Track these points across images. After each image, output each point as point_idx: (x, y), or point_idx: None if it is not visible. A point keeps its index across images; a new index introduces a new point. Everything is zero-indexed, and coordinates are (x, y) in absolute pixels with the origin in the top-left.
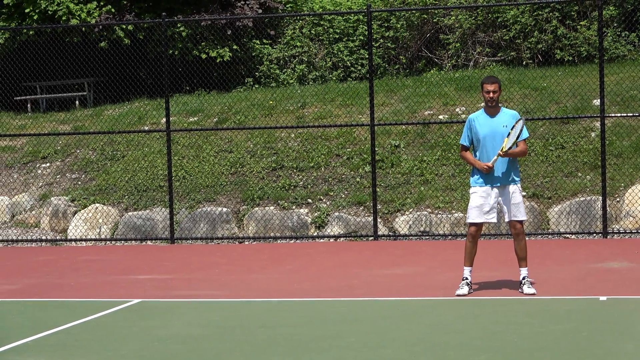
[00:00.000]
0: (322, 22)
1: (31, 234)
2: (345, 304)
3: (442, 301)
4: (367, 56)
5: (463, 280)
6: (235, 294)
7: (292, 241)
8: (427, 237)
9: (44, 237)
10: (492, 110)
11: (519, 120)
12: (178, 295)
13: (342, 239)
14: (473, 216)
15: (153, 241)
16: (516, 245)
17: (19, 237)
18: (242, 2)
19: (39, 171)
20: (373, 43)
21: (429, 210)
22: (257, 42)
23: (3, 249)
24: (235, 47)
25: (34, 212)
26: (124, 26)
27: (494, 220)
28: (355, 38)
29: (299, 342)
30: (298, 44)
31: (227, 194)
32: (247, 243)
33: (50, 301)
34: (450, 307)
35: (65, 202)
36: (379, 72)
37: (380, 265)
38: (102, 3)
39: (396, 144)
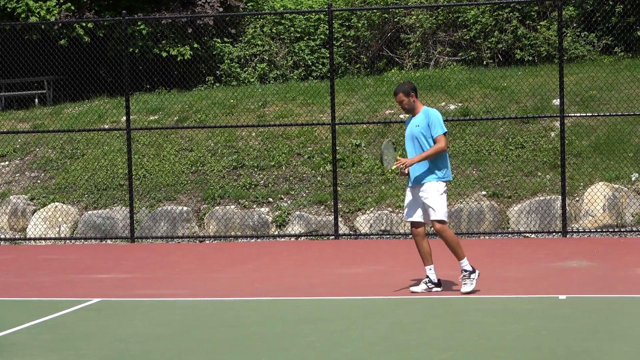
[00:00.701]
0: (283, 21)
1: None
2: (306, 303)
3: (403, 300)
4: (328, 55)
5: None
6: (196, 293)
7: (253, 240)
8: (388, 236)
9: (2, 236)
10: (411, 113)
11: (386, 142)
12: (138, 294)
13: (303, 237)
14: (406, 213)
15: (113, 240)
16: (445, 243)
17: None
18: (203, 1)
19: None
20: (334, 42)
21: (389, 209)
22: (218, 40)
23: None
24: (196, 45)
25: None
26: (84, 24)
27: (418, 218)
28: (316, 37)
29: (260, 341)
30: (259, 42)
31: (187, 193)
32: (207, 242)
33: (9, 300)
34: (412, 306)
35: (24, 201)
36: (340, 71)
37: (341, 264)
38: (61, 1)
39: (357, 143)
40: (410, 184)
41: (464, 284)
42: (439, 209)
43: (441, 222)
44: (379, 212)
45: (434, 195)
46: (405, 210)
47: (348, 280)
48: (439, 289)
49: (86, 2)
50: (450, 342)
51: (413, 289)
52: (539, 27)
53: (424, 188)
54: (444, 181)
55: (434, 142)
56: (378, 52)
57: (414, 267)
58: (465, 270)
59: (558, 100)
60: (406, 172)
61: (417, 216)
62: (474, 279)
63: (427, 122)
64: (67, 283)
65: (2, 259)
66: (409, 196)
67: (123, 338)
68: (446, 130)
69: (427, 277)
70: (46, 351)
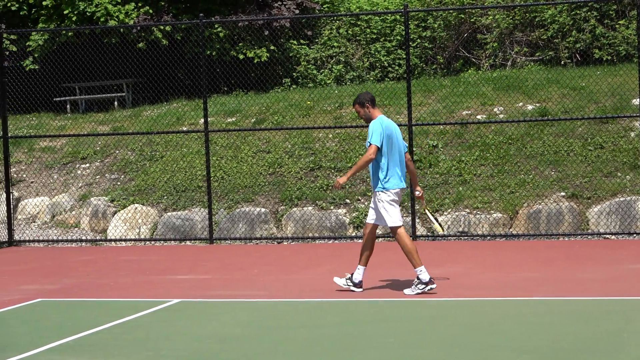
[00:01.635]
0: (359, 22)
1: (71, 234)
2: (384, 304)
3: (481, 301)
4: (404, 56)
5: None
6: (273, 294)
7: (330, 241)
8: (466, 237)
9: (83, 237)
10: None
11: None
12: (217, 295)
13: (380, 239)
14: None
15: (192, 241)
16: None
17: (59, 237)
18: (279, 3)
19: (79, 172)
20: (410, 43)
21: (467, 210)
22: (295, 42)
23: (44, 249)
24: (272, 47)
25: (74, 213)
26: (162, 27)
27: (371, 221)
28: (392, 38)
29: (337, 342)
30: (335, 44)
31: (265, 195)
32: (285, 243)
33: (90, 301)
34: (488, 308)
35: (104, 203)
36: (416, 72)
37: None
38: (140, 4)
39: (434, 144)
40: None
41: (412, 286)
42: (388, 217)
43: (395, 228)
44: (456, 213)
45: (381, 205)
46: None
47: None
48: (358, 290)
49: (164, 5)
50: (527, 344)
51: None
52: (617, 26)
53: (376, 196)
54: (388, 191)
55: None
56: (454, 53)
57: (492, 269)
58: (419, 279)
59: (638, 99)
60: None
61: (370, 218)
62: (422, 289)
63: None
64: (146, 284)
65: (83, 260)
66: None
67: (202, 339)
68: (378, 143)
69: (350, 275)
70: (126, 351)
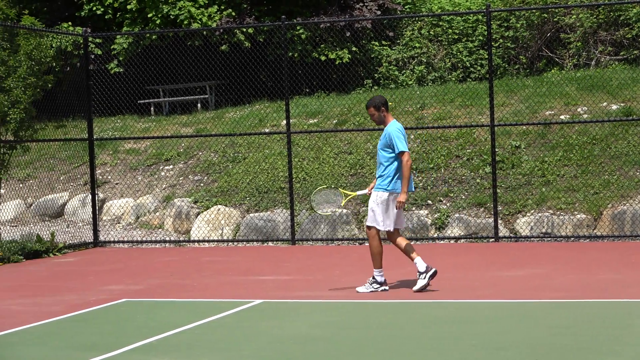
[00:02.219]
0: (441, 23)
1: (155, 235)
2: (466, 305)
3: (564, 303)
4: (486, 56)
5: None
6: (355, 295)
7: (411, 242)
8: (549, 238)
9: (167, 238)
10: (382, 126)
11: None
12: (299, 296)
13: (462, 240)
14: None
15: (274, 242)
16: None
17: (144, 238)
18: (361, 4)
19: (163, 173)
20: (492, 43)
21: (550, 211)
22: (376, 43)
23: (128, 249)
24: (354, 48)
25: (157, 214)
26: (245, 29)
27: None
28: (474, 38)
29: (419, 343)
30: (417, 44)
31: None
32: (367, 244)
33: (174, 301)
34: (572, 310)
35: (188, 204)
36: (498, 72)
37: (501, 267)
38: (222, 7)
39: (517, 145)
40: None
41: (365, 285)
42: (372, 216)
43: (368, 227)
44: (539, 214)
45: (374, 203)
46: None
47: (508, 282)
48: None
49: (246, 8)
50: (613, 346)
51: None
52: None
53: (375, 197)
54: (388, 191)
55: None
56: (537, 53)
57: (575, 270)
58: (374, 279)
59: None
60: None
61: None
62: (376, 288)
63: (386, 137)
64: (229, 284)
65: (167, 260)
66: None
67: (283, 339)
68: (407, 148)
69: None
70: (209, 351)
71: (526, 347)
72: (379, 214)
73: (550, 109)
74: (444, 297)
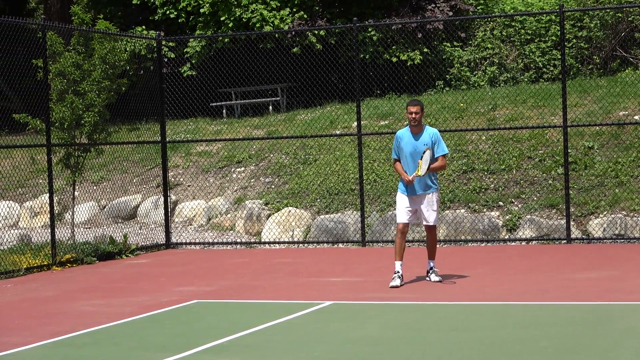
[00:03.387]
0: (513, 23)
1: (226, 236)
2: (537, 307)
3: (638, 306)
4: (559, 57)
5: (395, 273)
6: (426, 296)
7: (483, 244)
8: (622, 240)
9: (238, 240)
10: (415, 129)
11: (425, 150)
12: (370, 297)
13: (534, 242)
14: (401, 216)
15: (345, 244)
16: (428, 240)
17: (215, 240)
18: (433, 5)
19: (234, 175)
20: (566, 43)
21: (624, 212)
22: (448, 44)
23: (200, 251)
24: (425, 50)
25: (229, 216)
26: (316, 32)
27: (413, 221)
28: (547, 38)
29: (490, 346)
30: (489, 45)
31: None
32: (438, 246)
33: (245, 302)
34: None
35: (259, 206)
36: (571, 73)
37: (573, 269)
38: (294, 9)
39: (589, 146)
40: (412, 194)
41: (435, 275)
42: (436, 217)
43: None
44: (612, 215)
45: (437, 205)
46: (402, 212)
47: (581, 285)
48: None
49: (318, 10)
50: None
51: (392, 284)
52: None
53: (430, 198)
54: (399, 192)
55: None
56: (611, 52)
57: None
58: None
59: None
60: (412, 179)
61: (411, 218)
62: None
63: (432, 140)
64: (300, 286)
65: (238, 262)
66: (407, 201)
67: (354, 341)
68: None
69: (398, 271)
70: (279, 353)
71: (598, 350)
72: (397, 211)
73: (624, 109)
74: (514, 299)
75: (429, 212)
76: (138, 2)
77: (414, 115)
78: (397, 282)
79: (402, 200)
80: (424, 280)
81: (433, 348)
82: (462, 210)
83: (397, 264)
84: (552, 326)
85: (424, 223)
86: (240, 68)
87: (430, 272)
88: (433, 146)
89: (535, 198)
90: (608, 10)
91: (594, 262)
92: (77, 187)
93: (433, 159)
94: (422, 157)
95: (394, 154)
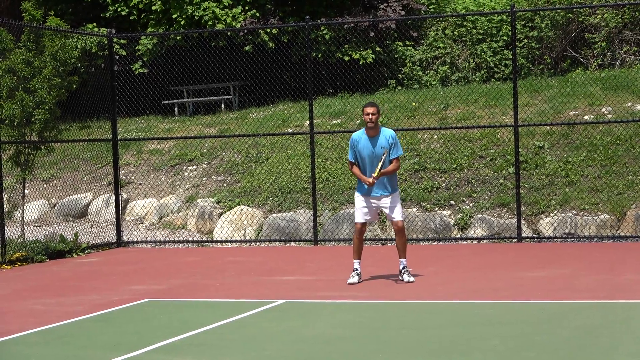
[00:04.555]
0: (465, 23)
1: (178, 235)
2: (488, 306)
3: (588, 304)
4: (510, 56)
5: (354, 271)
6: (378, 295)
7: (434, 243)
8: (572, 239)
9: (190, 239)
10: (372, 131)
11: (384, 153)
12: (322, 296)
13: (485, 241)
14: (358, 216)
15: (297, 242)
16: (398, 240)
17: (167, 239)
18: (385, 4)
19: (186, 173)
20: (517, 43)
21: (574, 211)
22: (400, 43)
23: (151, 249)
24: (378, 49)
25: (180, 214)
26: (269, 30)
27: (371, 220)
28: (498, 38)
29: (441, 344)
30: (441, 45)
31: None
32: (389, 245)
33: (196, 301)
34: (597, 310)
35: (211, 204)
36: (522, 73)
37: (524, 268)
38: (247, 8)
39: (540, 145)
40: (371, 195)
41: (408, 275)
42: (401, 212)
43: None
44: (562, 214)
45: (399, 202)
46: (360, 213)
47: (531, 283)
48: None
49: (270, 8)
50: (638, 347)
51: (349, 281)
52: None
53: (391, 198)
54: (357, 192)
55: (390, 163)
56: (562, 53)
57: (600, 271)
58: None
59: None
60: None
61: (369, 218)
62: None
63: (389, 143)
64: (252, 285)
65: (190, 261)
66: (365, 202)
67: (306, 339)
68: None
69: (356, 269)
70: (232, 351)
71: (549, 348)
72: (355, 211)
73: (574, 109)
74: (466, 298)
75: (393, 208)
76: (89, 0)
77: (370, 117)
78: (355, 279)
79: (359, 201)
80: (378, 279)
81: (385, 346)
82: (414, 209)
83: (356, 262)
84: (503, 325)
85: (392, 220)
86: (192, 66)
87: (403, 271)
88: (390, 148)
89: (486, 197)
90: (559, 10)
91: (544, 260)
92: (27, 185)
93: (388, 161)
94: (382, 159)
95: (350, 157)
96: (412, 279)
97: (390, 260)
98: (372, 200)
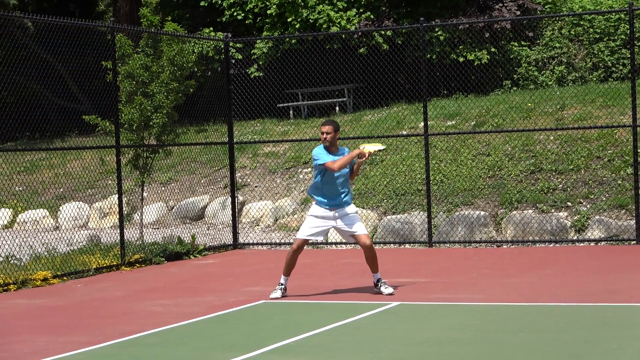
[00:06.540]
0: (582, 22)
1: (293, 237)
2: (606, 309)
3: None
4: (628, 55)
5: (279, 285)
6: (493, 297)
7: (550, 245)
8: None
9: None
10: (330, 149)
11: (362, 147)
12: (436, 298)
13: (602, 243)
14: (305, 231)
15: (411, 244)
16: (367, 254)
17: (282, 240)
18: (500, 5)
19: (301, 176)
20: (635, 42)
21: None
22: (515, 44)
23: (266, 251)
24: (493, 49)
25: (296, 216)
26: (383, 32)
27: (314, 240)
28: (616, 37)
29: (558, 348)
30: (557, 44)
31: (484, 198)
32: (505, 247)
33: (311, 303)
34: None
35: None
36: None
37: None
38: (361, 10)
39: None
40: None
41: (385, 287)
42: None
43: (367, 235)
44: None
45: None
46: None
47: None
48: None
49: (385, 10)
50: None
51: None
52: None
53: (352, 207)
54: (316, 205)
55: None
56: None
57: None
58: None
59: None
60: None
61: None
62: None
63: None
64: (366, 287)
65: (305, 262)
66: (320, 217)
67: (420, 341)
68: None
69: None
70: (346, 353)
71: None
72: (305, 224)
73: None
74: (583, 300)
75: (354, 222)
76: (206, 4)
77: (325, 136)
78: (277, 294)
79: (312, 219)
80: (494, 281)
81: (500, 350)
82: (530, 211)
83: (283, 278)
84: (621, 328)
85: (356, 234)
86: (307, 69)
87: (380, 284)
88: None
89: (604, 198)
90: None
91: None
92: (145, 188)
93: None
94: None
95: (326, 159)
96: (391, 290)
97: (507, 262)
98: (334, 213)
